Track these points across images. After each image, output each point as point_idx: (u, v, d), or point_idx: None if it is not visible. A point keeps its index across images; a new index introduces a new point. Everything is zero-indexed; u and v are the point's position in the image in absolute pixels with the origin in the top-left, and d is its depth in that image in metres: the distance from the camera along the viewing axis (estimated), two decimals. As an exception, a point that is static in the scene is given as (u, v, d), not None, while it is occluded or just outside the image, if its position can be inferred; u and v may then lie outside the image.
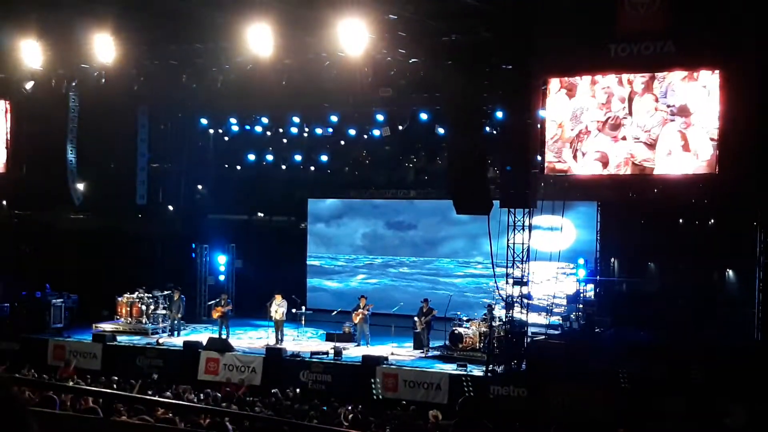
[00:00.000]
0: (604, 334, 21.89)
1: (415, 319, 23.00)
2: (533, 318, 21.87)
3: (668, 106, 18.97)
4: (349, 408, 17.44)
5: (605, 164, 19.67)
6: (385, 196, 28.69)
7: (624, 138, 19.40)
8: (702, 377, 18.31)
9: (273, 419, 12.68)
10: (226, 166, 30.43)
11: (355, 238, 29.35)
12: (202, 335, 24.55)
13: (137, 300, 25.39)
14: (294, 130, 27.77)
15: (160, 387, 19.18)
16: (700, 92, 18.66)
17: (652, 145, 19.15)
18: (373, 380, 20.72)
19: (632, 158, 19.35)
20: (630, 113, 19.32)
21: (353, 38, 18.99)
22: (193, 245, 29.10)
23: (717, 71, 18.52)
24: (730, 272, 24.32)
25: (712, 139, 18.52)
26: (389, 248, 28.80)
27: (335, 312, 25.35)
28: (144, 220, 29.80)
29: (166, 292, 25.96)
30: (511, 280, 20.52)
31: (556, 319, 23.10)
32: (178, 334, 25.03)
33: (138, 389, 17.67)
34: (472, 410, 10.07)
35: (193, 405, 13.45)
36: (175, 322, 25.23)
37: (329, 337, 24.02)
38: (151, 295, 25.63)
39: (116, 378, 19.51)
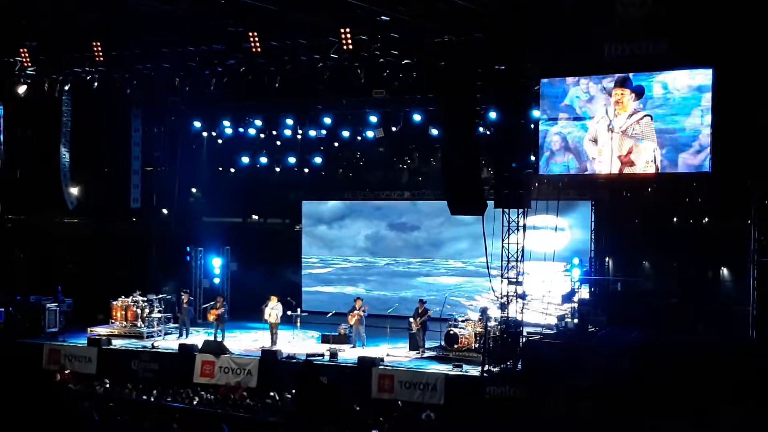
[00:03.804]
0: (599, 333, 21.90)
1: (411, 320, 22.99)
2: (528, 317, 21.87)
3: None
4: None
5: None
6: (379, 197, 28.66)
7: None
8: (696, 376, 18.31)
9: (270, 421, 12.70)
10: (220, 168, 30.37)
11: (357, 239, 29.29)
12: (197, 338, 24.53)
13: (132, 303, 25.32)
14: (287, 132, 27.70)
15: (159, 390, 19.15)
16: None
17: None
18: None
19: None
20: None
21: (346, 40, 19.00)
22: (188, 248, 29.03)
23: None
24: (725, 270, 24.36)
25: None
26: (392, 250, 28.72)
27: (331, 314, 25.32)
28: (138, 224, 29.75)
29: (161, 296, 25.97)
30: (506, 280, 20.57)
31: (551, 319, 23.11)
32: (183, 336, 25.08)
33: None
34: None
35: (193, 408, 13.44)
36: (186, 324, 25.29)
37: (325, 339, 23.98)
38: (146, 299, 25.59)
39: (107, 381, 19.50)
